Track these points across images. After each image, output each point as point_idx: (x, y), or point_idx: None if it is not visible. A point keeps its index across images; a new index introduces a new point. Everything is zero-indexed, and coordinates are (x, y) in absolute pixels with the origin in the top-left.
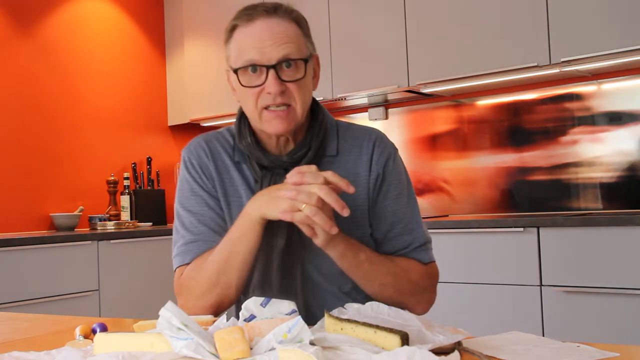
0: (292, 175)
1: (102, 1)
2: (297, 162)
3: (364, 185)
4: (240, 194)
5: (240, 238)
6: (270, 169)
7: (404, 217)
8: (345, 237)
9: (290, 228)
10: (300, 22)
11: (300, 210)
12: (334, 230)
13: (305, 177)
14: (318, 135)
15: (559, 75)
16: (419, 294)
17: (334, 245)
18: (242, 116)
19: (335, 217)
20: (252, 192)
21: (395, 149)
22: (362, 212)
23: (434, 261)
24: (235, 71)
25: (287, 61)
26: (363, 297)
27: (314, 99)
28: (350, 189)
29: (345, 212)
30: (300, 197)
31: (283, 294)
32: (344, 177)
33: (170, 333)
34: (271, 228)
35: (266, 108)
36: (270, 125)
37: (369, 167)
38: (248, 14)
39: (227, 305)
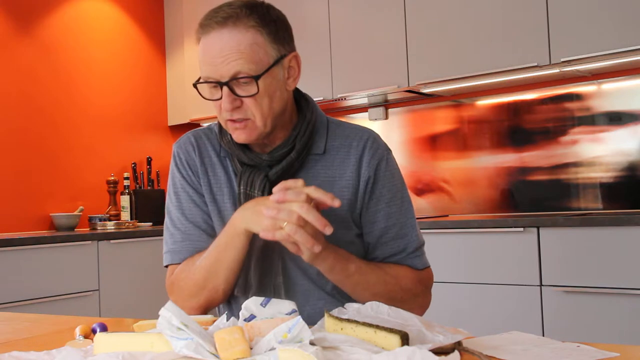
0: (277, 191)
1: (102, 1)
2: (277, 161)
3: (349, 185)
4: (224, 191)
5: (226, 246)
6: (251, 166)
7: (397, 221)
8: (334, 249)
9: None
10: (260, 28)
11: (281, 228)
12: (317, 248)
13: (287, 194)
14: (304, 134)
15: (559, 75)
16: (411, 301)
17: (322, 259)
18: None
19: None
20: (234, 188)
21: (389, 150)
22: (346, 213)
23: (429, 266)
24: (195, 86)
25: (235, 79)
26: (345, 296)
27: (304, 97)
28: (336, 203)
29: (328, 230)
30: (280, 215)
31: (262, 292)
32: (329, 175)
33: (170, 333)
34: None
35: (229, 120)
36: (234, 136)
37: (357, 168)
38: (205, 25)
39: (216, 305)
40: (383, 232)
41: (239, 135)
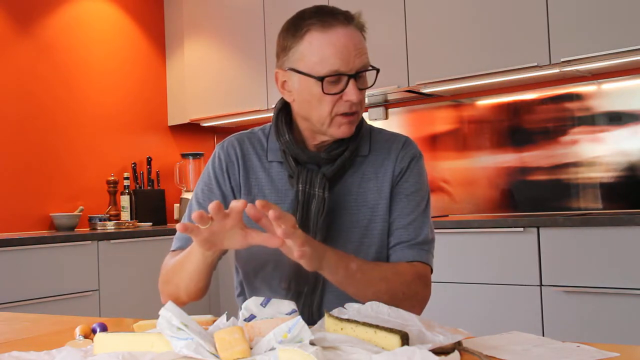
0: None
1: (102, 1)
2: (333, 160)
3: (389, 180)
4: (264, 193)
5: (189, 255)
6: (304, 165)
7: (411, 213)
8: (335, 251)
9: (323, 228)
10: (364, 33)
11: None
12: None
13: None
14: (356, 137)
15: (559, 75)
16: (412, 297)
17: (326, 260)
18: (279, 113)
19: (358, 210)
20: (280, 190)
21: (421, 154)
22: (385, 205)
23: (430, 265)
24: (322, 79)
25: (364, 70)
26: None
27: None
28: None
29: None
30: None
31: (315, 288)
32: (373, 173)
33: (170, 333)
34: (307, 226)
35: (341, 114)
36: (339, 130)
37: (394, 164)
38: (324, 21)
39: (180, 303)
40: (396, 219)
41: (346, 129)
